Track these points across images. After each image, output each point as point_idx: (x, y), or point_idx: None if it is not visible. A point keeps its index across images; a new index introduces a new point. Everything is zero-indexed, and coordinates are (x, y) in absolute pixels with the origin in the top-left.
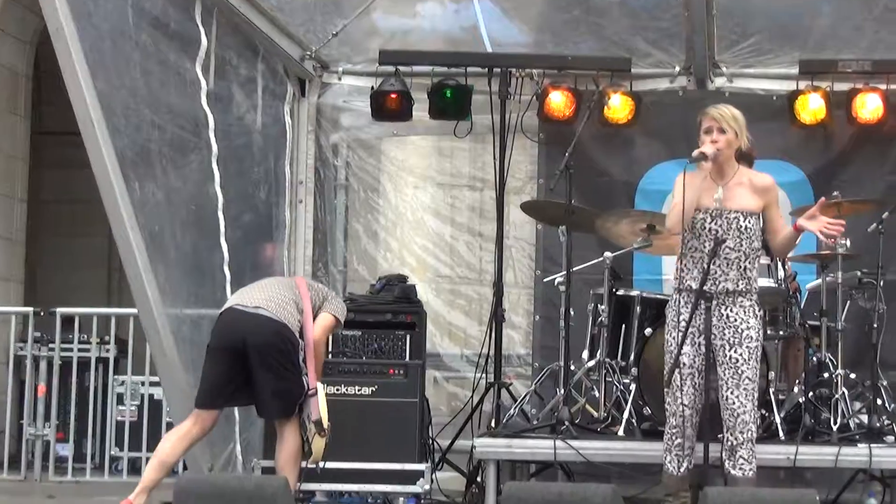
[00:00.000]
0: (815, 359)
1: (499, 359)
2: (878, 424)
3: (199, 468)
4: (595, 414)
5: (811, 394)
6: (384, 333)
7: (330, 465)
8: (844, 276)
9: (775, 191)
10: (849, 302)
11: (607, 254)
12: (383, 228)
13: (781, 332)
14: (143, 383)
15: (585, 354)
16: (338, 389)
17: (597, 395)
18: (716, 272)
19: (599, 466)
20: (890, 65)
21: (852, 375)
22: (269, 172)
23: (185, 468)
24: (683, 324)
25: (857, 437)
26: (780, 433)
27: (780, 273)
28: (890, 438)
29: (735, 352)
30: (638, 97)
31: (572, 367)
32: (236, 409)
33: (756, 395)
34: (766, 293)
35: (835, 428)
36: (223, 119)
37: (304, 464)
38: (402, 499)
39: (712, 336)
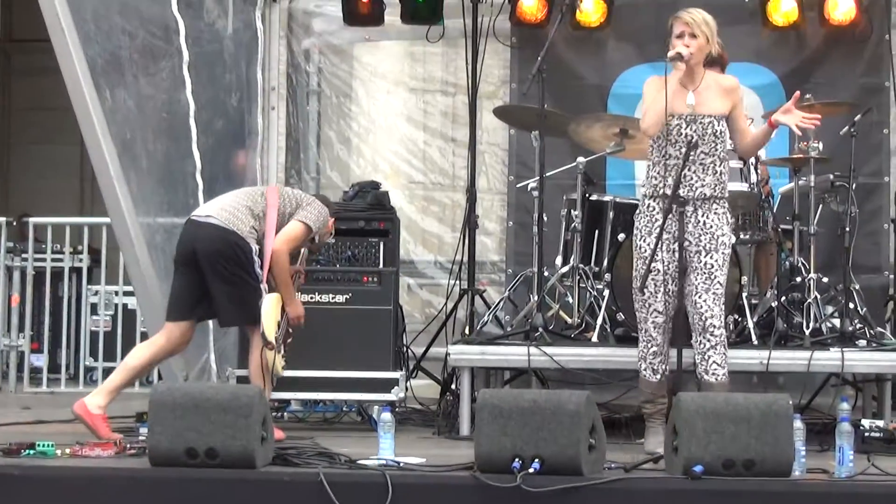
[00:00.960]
0: (787, 263)
1: (472, 265)
2: (850, 328)
3: (173, 377)
4: (569, 320)
5: (784, 298)
6: (357, 241)
7: (304, 373)
8: (817, 179)
9: (739, 91)
10: (821, 205)
11: (580, 159)
12: (356, 135)
13: (754, 237)
14: (116, 293)
15: (559, 260)
16: (311, 297)
17: (570, 301)
18: (691, 178)
19: (573, 373)
20: None
21: (825, 279)
22: (240, 79)
23: (160, 378)
24: (658, 230)
25: (830, 341)
26: (753, 338)
27: (753, 177)
28: (862, 342)
29: (710, 258)
30: (610, 0)
31: (546, 273)
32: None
33: (723, 299)
34: (738, 197)
35: (807, 332)
36: (194, 25)
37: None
38: (376, 407)
39: (687, 242)
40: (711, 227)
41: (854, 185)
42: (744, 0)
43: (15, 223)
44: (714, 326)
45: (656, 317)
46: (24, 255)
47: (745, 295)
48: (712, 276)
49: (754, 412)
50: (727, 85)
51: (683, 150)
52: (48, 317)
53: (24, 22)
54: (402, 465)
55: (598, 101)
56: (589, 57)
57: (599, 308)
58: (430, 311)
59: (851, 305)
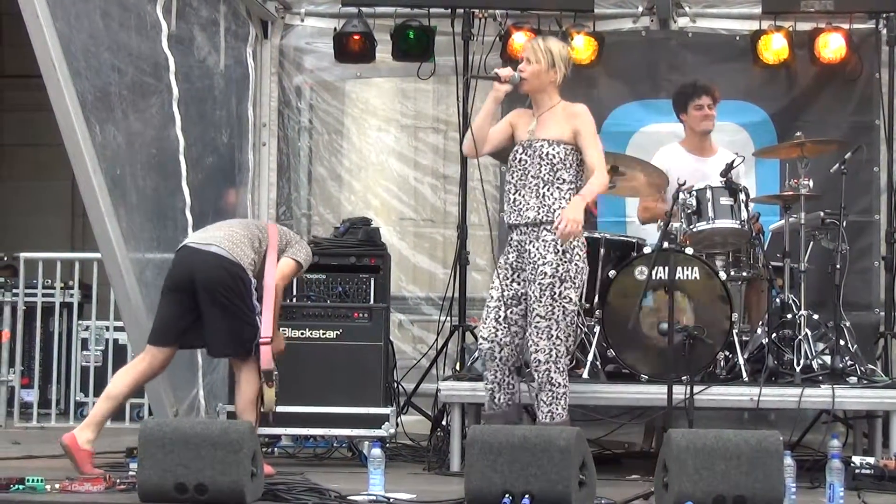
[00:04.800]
0: (778, 300)
1: (463, 301)
2: (840, 365)
3: (164, 413)
4: None
5: (774, 335)
6: (348, 277)
7: (295, 409)
8: (807, 216)
9: (586, 117)
10: (812, 243)
11: None
12: (347, 171)
13: (745, 274)
14: (107, 328)
15: None
16: (302, 333)
17: None
18: (519, 202)
19: None
20: (852, 4)
21: (815, 316)
22: (231, 115)
23: (150, 413)
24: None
25: (820, 378)
26: (744, 374)
27: (743, 214)
28: (853, 379)
29: (531, 288)
30: (601, 37)
31: None
32: (199, 355)
33: (555, 332)
34: (729, 234)
35: (798, 369)
36: (184, 62)
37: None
38: (367, 443)
39: (522, 271)
40: (533, 255)
41: (844, 223)
42: (734, 38)
43: (5, 258)
44: (537, 362)
45: (481, 343)
46: (14, 291)
47: (735, 332)
48: (532, 309)
49: (745, 449)
50: (571, 110)
51: (516, 175)
52: (39, 352)
53: (14, 58)
54: (392, 500)
55: None
56: (579, 94)
57: (590, 344)
58: (421, 347)
59: (842, 342)
